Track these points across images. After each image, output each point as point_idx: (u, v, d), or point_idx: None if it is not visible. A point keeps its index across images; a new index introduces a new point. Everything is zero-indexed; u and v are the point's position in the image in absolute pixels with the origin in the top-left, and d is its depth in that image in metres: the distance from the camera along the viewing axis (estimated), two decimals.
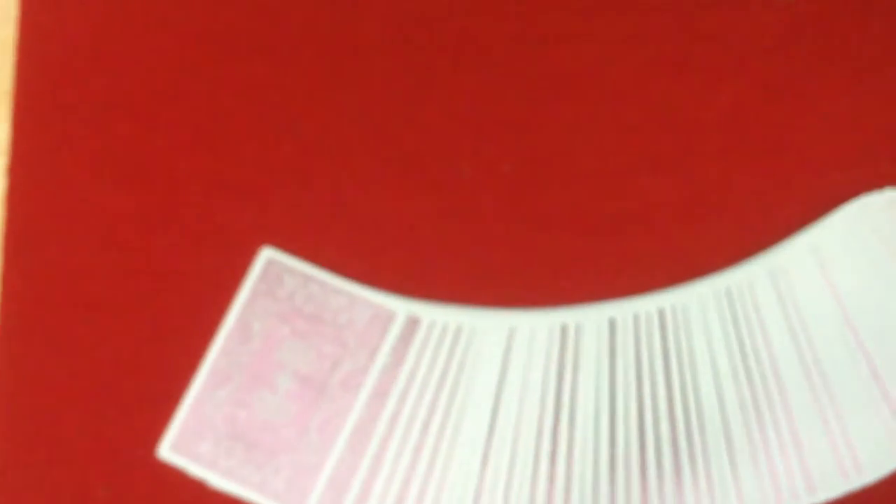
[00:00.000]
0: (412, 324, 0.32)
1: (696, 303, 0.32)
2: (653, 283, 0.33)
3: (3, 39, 0.34)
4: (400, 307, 0.32)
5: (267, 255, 0.33)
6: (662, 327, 0.32)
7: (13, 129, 0.34)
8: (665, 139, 0.34)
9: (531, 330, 0.32)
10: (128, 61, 0.34)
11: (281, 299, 0.32)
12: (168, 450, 0.31)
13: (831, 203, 0.33)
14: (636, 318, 0.32)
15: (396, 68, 0.34)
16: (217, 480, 0.31)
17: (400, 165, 0.34)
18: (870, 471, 0.31)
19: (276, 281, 0.33)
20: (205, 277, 0.32)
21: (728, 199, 0.33)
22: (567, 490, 0.31)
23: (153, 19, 0.34)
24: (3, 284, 0.33)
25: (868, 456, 0.31)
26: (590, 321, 0.32)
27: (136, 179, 0.33)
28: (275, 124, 0.34)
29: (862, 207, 0.33)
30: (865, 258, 0.32)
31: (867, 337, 0.32)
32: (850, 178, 0.33)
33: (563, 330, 0.32)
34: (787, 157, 0.34)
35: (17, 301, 0.32)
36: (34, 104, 0.34)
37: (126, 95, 0.34)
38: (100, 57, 0.34)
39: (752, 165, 0.33)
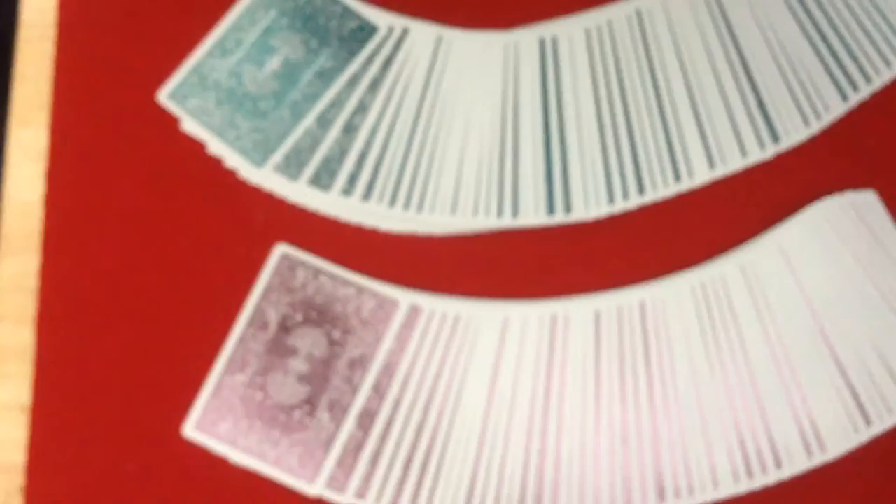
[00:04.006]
0: (414, 312, 0.31)
1: (674, 295, 0.31)
2: (634, 277, 0.32)
3: (41, 53, 0.34)
4: (403, 297, 0.31)
5: (281, 251, 0.32)
6: (643, 317, 0.31)
7: (51, 137, 0.33)
8: None
9: (523, 319, 0.31)
10: (154, 76, 0.33)
11: (294, 290, 0.31)
12: (192, 429, 0.30)
13: (796, 204, 0.32)
14: (619, 310, 0.31)
15: None
16: (237, 456, 0.30)
17: None
18: (831, 448, 0.30)
19: (289, 274, 0.32)
20: (225, 271, 0.32)
21: (702, 200, 0.33)
22: (556, 463, 0.30)
23: (180, 40, 0.33)
24: (41, 279, 0.31)
25: (829, 435, 0.30)
26: (577, 312, 0.31)
27: (163, 182, 0.33)
28: None
29: (824, 208, 0.32)
30: (827, 254, 0.32)
31: (829, 326, 0.31)
32: (812, 182, 0.32)
33: (553, 320, 0.31)
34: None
35: (55, 294, 0.31)
36: (70, 114, 0.33)
37: (153, 108, 0.33)
38: (129, 72, 0.33)
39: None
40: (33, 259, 0.32)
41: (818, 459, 0.30)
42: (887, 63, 0.33)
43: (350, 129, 0.33)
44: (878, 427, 0.30)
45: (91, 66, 0.33)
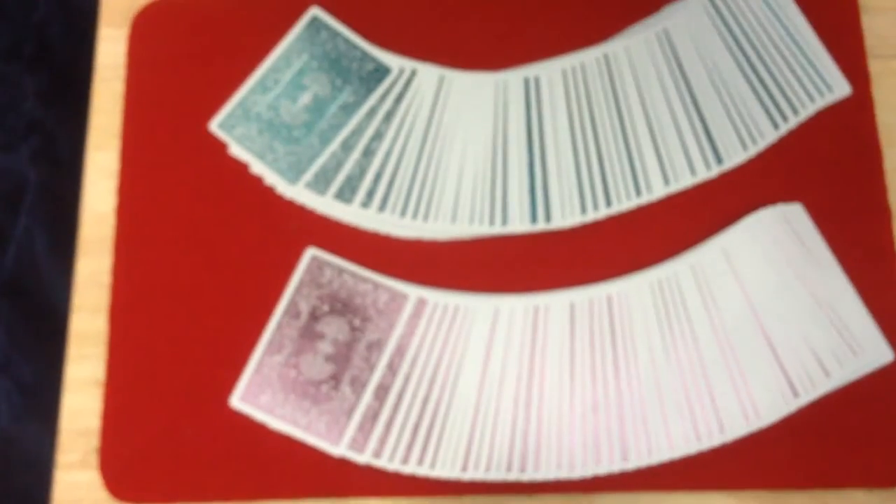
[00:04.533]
0: (421, 304, 0.33)
1: (635, 290, 0.33)
2: (603, 275, 0.34)
3: (114, 90, 0.36)
4: (411, 291, 0.33)
5: (311, 253, 0.34)
6: (610, 308, 0.33)
7: (122, 159, 0.35)
8: None
9: (511, 309, 0.33)
10: (206, 109, 0.35)
11: (322, 286, 0.33)
12: (238, 400, 0.32)
13: (737, 214, 0.34)
14: (590, 302, 0.33)
15: None
16: (275, 423, 0.32)
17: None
18: (765, 416, 0.32)
19: (318, 272, 0.33)
20: (265, 270, 0.34)
21: (659, 211, 0.34)
22: (538, 429, 0.32)
23: (228, 80, 0.35)
24: (113, 276, 0.34)
25: (764, 405, 0.32)
26: (555, 304, 0.33)
27: (214, 196, 0.34)
28: None
29: (760, 218, 0.34)
30: (762, 256, 0.33)
31: (763, 315, 0.33)
32: (750, 196, 0.34)
33: (535, 310, 0.33)
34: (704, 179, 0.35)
35: (124, 289, 0.34)
36: (137, 140, 0.35)
37: (205, 136, 0.35)
38: (186, 106, 0.35)
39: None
40: (106, 260, 0.34)
41: (754, 425, 0.32)
42: (811, 98, 0.35)
43: (368, 153, 0.34)
44: (804, 398, 0.32)
45: (155, 101, 0.35)
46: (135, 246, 0.34)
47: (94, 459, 0.32)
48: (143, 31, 0.36)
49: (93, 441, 0.32)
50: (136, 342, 0.33)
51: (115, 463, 0.32)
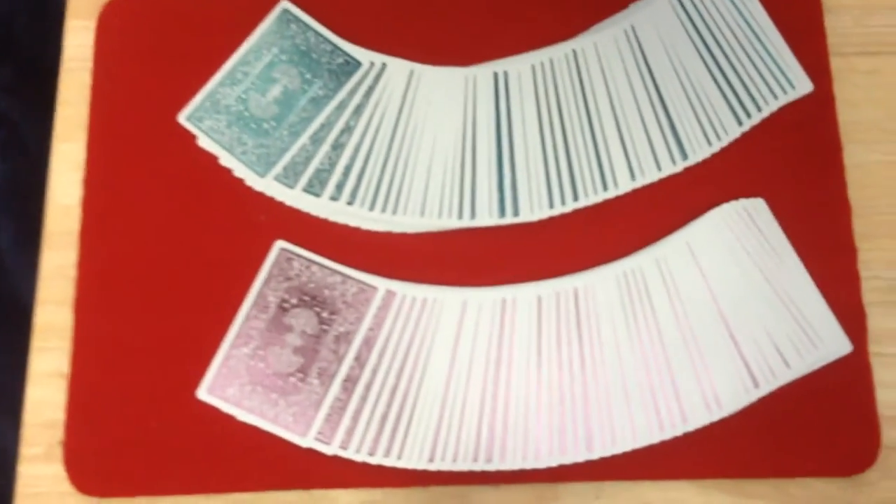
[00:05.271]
0: (389, 296, 0.33)
1: (601, 283, 0.34)
2: (570, 268, 0.34)
3: (81, 81, 0.36)
4: (380, 284, 0.33)
5: (280, 246, 0.34)
6: (576, 301, 0.33)
7: (88, 151, 0.35)
8: None
9: (479, 302, 0.33)
10: (175, 101, 0.35)
11: (290, 278, 0.33)
12: (205, 393, 0.32)
13: (701, 209, 0.35)
14: (557, 294, 0.33)
15: None
16: (242, 415, 0.32)
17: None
18: (727, 406, 0.32)
19: (286, 265, 0.34)
20: (233, 262, 0.34)
21: (625, 205, 0.35)
22: (505, 419, 0.32)
23: (197, 72, 0.35)
24: (78, 269, 0.34)
25: (726, 395, 0.32)
26: (522, 296, 0.33)
27: (182, 189, 0.34)
28: None
29: (722, 212, 0.34)
30: (725, 249, 0.34)
31: (725, 307, 0.33)
32: (714, 191, 0.35)
33: (503, 302, 0.33)
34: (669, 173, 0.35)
35: (90, 281, 0.33)
36: (104, 132, 0.35)
37: (174, 128, 0.35)
38: (154, 97, 0.35)
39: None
40: (72, 252, 0.34)
41: (716, 415, 0.32)
42: (774, 95, 0.36)
43: (338, 146, 0.35)
44: (765, 389, 0.32)
45: (122, 93, 0.35)
46: (101, 238, 0.34)
47: (58, 453, 0.32)
48: (111, 21, 0.36)
49: (57, 434, 0.32)
50: (101, 335, 0.33)
51: (80, 456, 0.32)
